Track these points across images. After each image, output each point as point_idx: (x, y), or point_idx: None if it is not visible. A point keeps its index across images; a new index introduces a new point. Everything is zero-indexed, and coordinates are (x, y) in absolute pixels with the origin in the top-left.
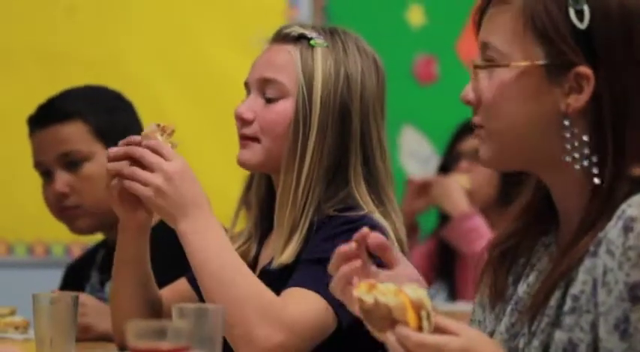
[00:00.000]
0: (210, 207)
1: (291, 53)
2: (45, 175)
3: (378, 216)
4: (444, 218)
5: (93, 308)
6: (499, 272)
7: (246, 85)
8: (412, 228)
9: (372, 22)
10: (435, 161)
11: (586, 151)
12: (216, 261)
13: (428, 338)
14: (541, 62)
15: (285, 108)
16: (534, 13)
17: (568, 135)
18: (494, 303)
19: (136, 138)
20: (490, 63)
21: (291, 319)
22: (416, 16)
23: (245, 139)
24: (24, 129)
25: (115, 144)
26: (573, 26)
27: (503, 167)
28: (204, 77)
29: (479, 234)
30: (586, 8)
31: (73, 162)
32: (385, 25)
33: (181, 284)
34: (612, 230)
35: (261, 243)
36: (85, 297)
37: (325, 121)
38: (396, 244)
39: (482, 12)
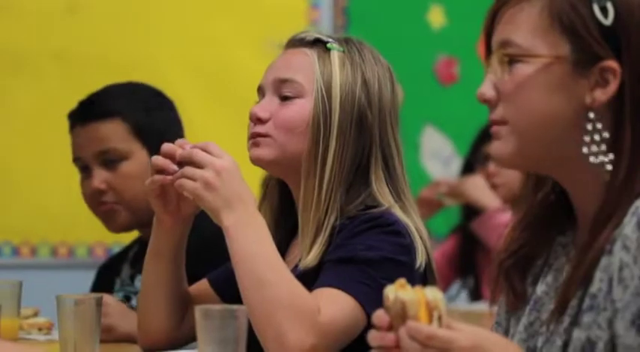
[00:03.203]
0: (256, 206)
1: (308, 55)
2: (83, 170)
3: (398, 212)
4: (470, 214)
5: (116, 309)
6: (514, 278)
7: (260, 89)
8: None
9: (393, 24)
10: (456, 161)
11: (603, 147)
12: (255, 259)
13: (439, 331)
14: (567, 55)
15: (302, 106)
16: (560, 8)
17: (590, 127)
18: (514, 307)
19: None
20: (516, 56)
21: (324, 322)
22: (436, 17)
23: (256, 137)
24: (44, 131)
25: (154, 143)
26: (598, 22)
27: (521, 163)
28: (225, 79)
29: None
30: (609, 5)
31: (110, 160)
32: (406, 26)
33: (203, 285)
34: (627, 226)
35: (283, 248)
36: (108, 298)
37: (345, 124)
38: (417, 235)
39: (495, 14)
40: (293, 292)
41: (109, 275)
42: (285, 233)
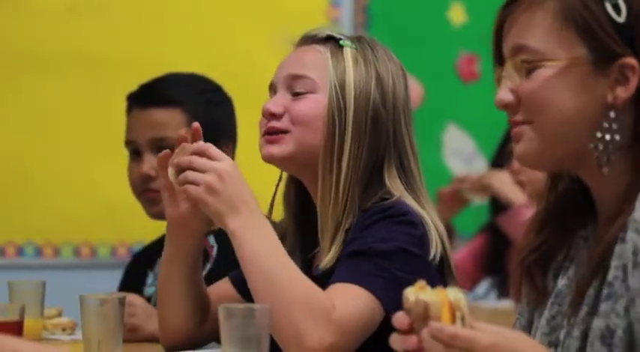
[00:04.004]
0: (259, 207)
1: (321, 52)
2: (133, 154)
3: (411, 202)
4: (498, 210)
5: (142, 309)
6: (536, 275)
7: (271, 86)
8: (448, 230)
9: (414, 21)
10: (478, 159)
11: (610, 148)
12: (265, 261)
13: (461, 331)
14: (585, 56)
15: (315, 101)
16: (573, 9)
17: (606, 125)
18: (537, 302)
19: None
20: (533, 62)
21: (341, 318)
22: (457, 15)
23: (272, 135)
24: (66, 131)
25: (208, 137)
26: (612, 19)
27: (546, 163)
28: (245, 78)
29: None
30: (621, 2)
31: (163, 148)
32: (427, 23)
33: (224, 284)
34: (637, 211)
35: (308, 248)
36: (134, 298)
37: (360, 120)
38: (431, 226)
39: (504, 19)
40: (306, 290)
41: (142, 268)
42: (305, 234)
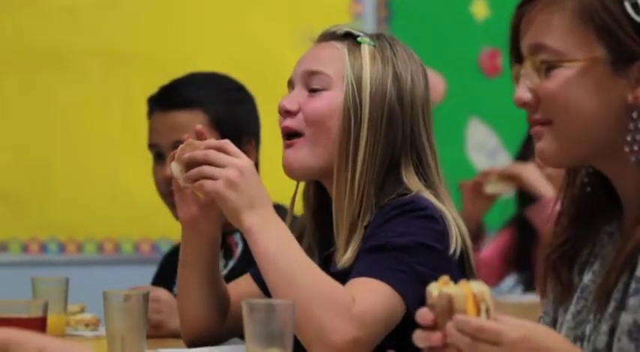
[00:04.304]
0: (273, 207)
1: (338, 48)
2: (157, 157)
3: (430, 197)
4: (525, 202)
5: (167, 305)
6: (562, 270)
7: (289, 82)
8: (477, 232)
9: (437, 16)
10: (502, 153)
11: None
12: (282, 258)
13: (488, 323)
14: (604, 56)
15: (330, 98)
16: (592, 9)
17: (632, 126)
18: (562, 298)
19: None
20: (552, 62)
21: (362, 312)
22: (480, 9)
23: (289, 137)
24: (87, 127)
25: (231, 137)
26: (631, 19)
27: (567, 161)
28: (267, 75)
29: None
30: None
31: None
32: (449, 18)
33: (246, 280)
34: None
35: (326, 245)
36: (160, 292)
37: (376, 117)
38: (451, 221)
39: (521, 17)
40: (324, 286)
41: (174, 263)
42: (324, 231)
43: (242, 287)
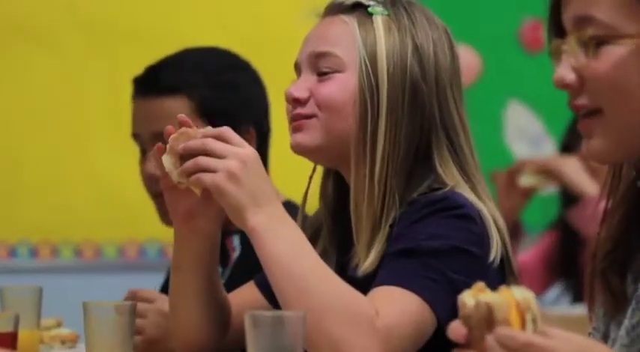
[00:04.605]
0: (280, 203)
1: (347, 22)
2: (141, 150)
3: (467, 192)
4: (569, 202)
5: (160, 317)
6: (612, 280)
7: (296, 65)
8: (514, 228)
9: None
10: (546, 141)
11: None
12: (294, 263)
13: (537, 338)
14: None
15: (342, 81)
16: None
17: None
18: (614, 311)
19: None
20: (601, 38)
21: (386, 327)
22: None
23: (299, 120)
24: (67, 112)
25: (221, 125)
26: None
27: (620, 157)
28: (272, 52)
29: None
30: None
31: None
32: None
33: (248, 288)
34: None
35: (343, 247)
36: (151, 294)
37: (396, 99)
38: (490, 220)
39: None
40: (342, 295)
41: None
42: (342, 231)
43: (245, 296)
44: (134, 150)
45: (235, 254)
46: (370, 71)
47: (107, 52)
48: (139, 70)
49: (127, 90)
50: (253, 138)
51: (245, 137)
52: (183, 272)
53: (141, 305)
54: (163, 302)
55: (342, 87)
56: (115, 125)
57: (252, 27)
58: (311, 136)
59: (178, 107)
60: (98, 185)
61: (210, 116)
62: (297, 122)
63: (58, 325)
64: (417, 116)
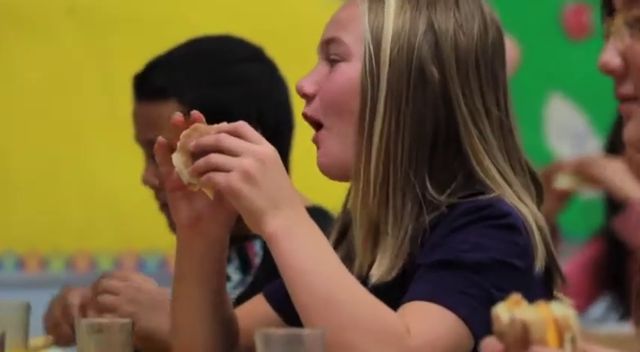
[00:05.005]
0: (302, 205)
1: (357, 5)
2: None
3: (513, 199)
4: (614, 209)
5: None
6: None
7: (318, 53)
8: (552, 233)
9: None
10: (591, 139)
11: None
12: (317, 273)
13: None
14: None
15: (345, 73)
16: None
17: None
18: None
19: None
20: None
21: (419, 347)
22: None
23: (315, 135)
24: (57, 107)
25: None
26: None
27: None
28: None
29: None
30: None
31: None
32: None
33: (257, 301)
34: None
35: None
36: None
37: (398, 85)
38: (533, 225)
39: None
40: (370, 310)
41: None
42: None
43: (253, 310)
44: (132, 150)
45: (257, 260)
46: (372, 56)
47: (101, 42)
48: (138, 65)
49: (125, 86)
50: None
51: None
52: (186, 282)
53: (113, 282)
54: (141, 280)
55: (345, 79)
56: (110, 123)
57: (267, 13)
58: (327, 150)
59: (168, 113)
60: (92, 189)
61: (206, 119)
62: (315, 134)
63: (47, 345)
64: (429, 104)
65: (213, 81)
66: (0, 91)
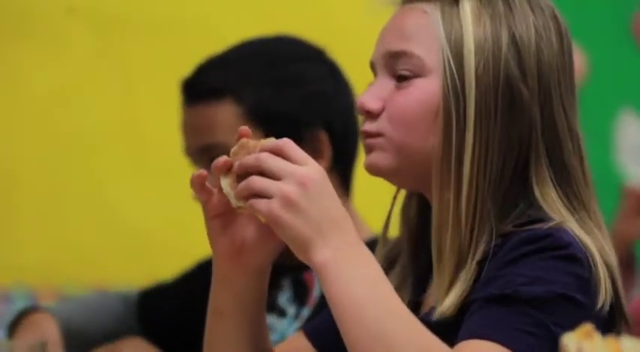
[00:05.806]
0: (355, 230)
1: (427, 13)
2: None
3: (575, 228)
4: None
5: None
6: None
7: (371, 65)
8: (627, 260)
9: None
10: None
11: None
12: (370, 306)
13: None
14: None
15: (422, 89)
16: None
17: None
18: None
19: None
20: None
21: None
22: None
23: (367, 139)
24: (65, 123)
25: (282, 133)
26: None
27: None
28: (333, 46)
29: None
30: None
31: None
32: None
33: (297, 339)
34: None
35: (421, 284)
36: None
37: (486, 103)
38: (598, 258)
39: None
40: (427, 348)
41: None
42: (427, 257)
43: (293, 348)
44: (153, 169)
45: (316, 291)
46: (455, 72)
47: (119, 47)
48: (158, 69)
49: (142, 93)
50: (326, 144)
51: (314, 144)
52: (225, 317)
53: None
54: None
55: (422, 96)
56: (129, 138)
57: (308, 18)
58: (383, 157)
59: (223, 114)
60: (108, 216)
61: (265, 121)
62: (368, 143)
63: None
64: (515, 126)
65: (272, 80)
66: (5, 103)
